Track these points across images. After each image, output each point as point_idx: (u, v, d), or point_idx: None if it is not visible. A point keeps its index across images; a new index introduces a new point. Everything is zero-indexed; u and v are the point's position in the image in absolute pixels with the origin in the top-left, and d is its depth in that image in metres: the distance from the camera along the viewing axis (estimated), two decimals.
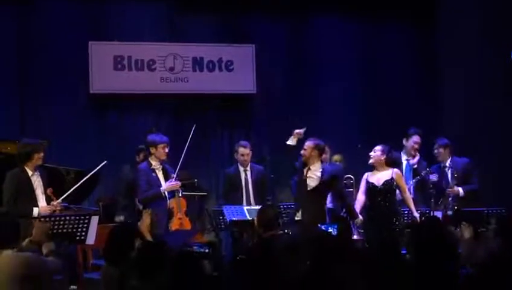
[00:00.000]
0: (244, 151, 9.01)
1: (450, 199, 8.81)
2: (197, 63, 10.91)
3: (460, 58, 10.85)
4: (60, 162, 8.92)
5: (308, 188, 8.12)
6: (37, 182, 7.35)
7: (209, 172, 10.89)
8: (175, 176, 8.11)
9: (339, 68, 11.42)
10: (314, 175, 8.29)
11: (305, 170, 8.27)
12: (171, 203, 8.04)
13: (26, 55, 10.39)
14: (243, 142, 9.16)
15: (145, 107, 10.83)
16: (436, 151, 9.14)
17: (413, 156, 9.22)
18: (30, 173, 7.33)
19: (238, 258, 8.42)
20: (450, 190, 8.85)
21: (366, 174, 8.48)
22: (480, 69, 10.59)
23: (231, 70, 11.00)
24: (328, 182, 8.07)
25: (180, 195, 8.12)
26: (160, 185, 8.04)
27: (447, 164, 9.06)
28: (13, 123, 10.21)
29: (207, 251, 6.46)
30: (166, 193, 8.04)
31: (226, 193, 9.18)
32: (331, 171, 8.29)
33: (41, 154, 7.38)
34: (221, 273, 4.94)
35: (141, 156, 9.28)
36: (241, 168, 9.07)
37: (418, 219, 8.23)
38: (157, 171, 8.13)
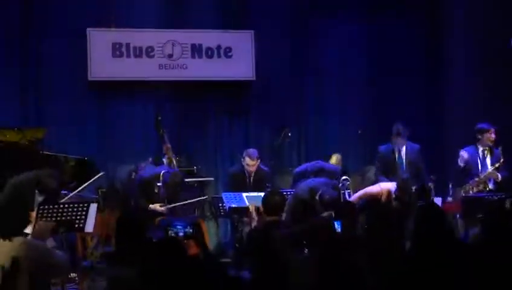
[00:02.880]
0: (250, 162, 9.11)
1: (489, 183, 8.90)
2: (196, 50, 10.88)
3: (463, 49, 10.89)
4: (60, 149, 8.93)
5: None
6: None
7: (207, 159, 10.85)
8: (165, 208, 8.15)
9: (339, 56, 11.36)
10: None
11: None
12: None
13: (26, 42, 10.38)
14: (250, 152, 9.17)
15: (143, 94, 10.80)
16: (493, 136, 9.06)
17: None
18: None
19: (237, 245, 8.51)
20: (491, 172, 8.89)
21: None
22: (482, 60, 10.63)
23: (230, 56, 10.96)
24: None
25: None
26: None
27: (487, 148, 9.06)
28: (15, 111, 10.20)
29: (191, 230, 6.46)
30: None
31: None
32: None
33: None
34: (204, 253, 4.92)
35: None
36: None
37: None
38: None
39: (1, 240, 5.00)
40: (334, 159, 9.77)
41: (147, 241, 4.88)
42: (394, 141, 9.12)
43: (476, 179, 8.93)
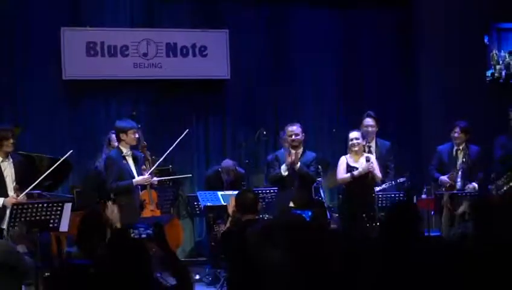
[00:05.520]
0: (229, 171, 9.52)
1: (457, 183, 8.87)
2: (171, 49, 10.84)
3: (437, 40, 11.00)
4: (34, 149, 8.88)
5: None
6: (7, 169, 7.31)
7: (183, 157, 10.82)
8: (149, 171, 8.04)
9: (314, 52, 11.41)
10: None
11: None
12: (143, 195, 7.95)
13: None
14: (230, 166, 9.65)
15: (118, 93, 10.76)
16: (456, 134, 9.04)
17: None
18: (0, 159, 7.31)
19: (212, 244, 8.52)
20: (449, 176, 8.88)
21: (344, 158, 8.57)
22: (455, 51, 10.75)
23: (205, 55, 10.94)
24: None
25: (155, 184, 8.08)
26: (131, 173, 7.96)
27: (460, 148, 9.02)
28: None
29: (151, 232, 6.43)
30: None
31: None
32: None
33: (10, 140, 7.31)
34: (165, 254, 4.91)
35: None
36: None
37: None
38: (127, 158, 8.04)
39: None
40: None
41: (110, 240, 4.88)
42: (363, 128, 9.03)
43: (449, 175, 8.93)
